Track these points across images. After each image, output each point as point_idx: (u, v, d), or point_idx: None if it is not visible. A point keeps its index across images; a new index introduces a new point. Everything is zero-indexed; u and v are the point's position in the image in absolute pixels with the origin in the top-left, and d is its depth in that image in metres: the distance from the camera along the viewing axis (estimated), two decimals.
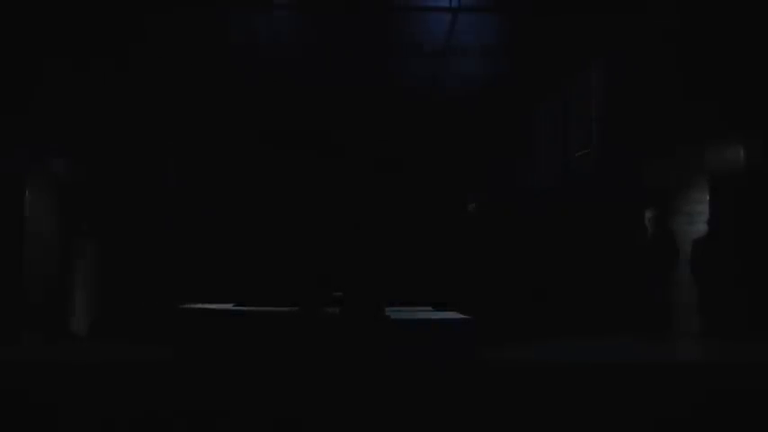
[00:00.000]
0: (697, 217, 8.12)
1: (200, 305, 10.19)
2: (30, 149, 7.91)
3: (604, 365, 6.57)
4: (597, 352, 7.31)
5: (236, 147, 13.79)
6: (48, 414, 4.73)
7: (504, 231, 13.12)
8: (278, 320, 7.70)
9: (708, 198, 7.96)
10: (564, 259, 11.62)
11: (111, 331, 8.52)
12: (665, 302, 7.88)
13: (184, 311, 7.95)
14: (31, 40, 7.95)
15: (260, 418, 4.52)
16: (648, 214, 8.10)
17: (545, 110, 13.10)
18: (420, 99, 13.04)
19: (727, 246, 7.90)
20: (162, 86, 11.90)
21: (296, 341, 7.16)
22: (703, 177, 8.04)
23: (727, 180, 7.96)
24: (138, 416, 4.61)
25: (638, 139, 9.36)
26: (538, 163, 12.94)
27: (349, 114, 13.47)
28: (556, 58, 10.69)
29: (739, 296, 7.86)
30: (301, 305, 8.91)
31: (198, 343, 7.08)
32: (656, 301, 7.87)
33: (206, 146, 13.63)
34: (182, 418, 4.54)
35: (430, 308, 12.95)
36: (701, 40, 8.16)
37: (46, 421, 4.53)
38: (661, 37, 8.88)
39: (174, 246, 12.52)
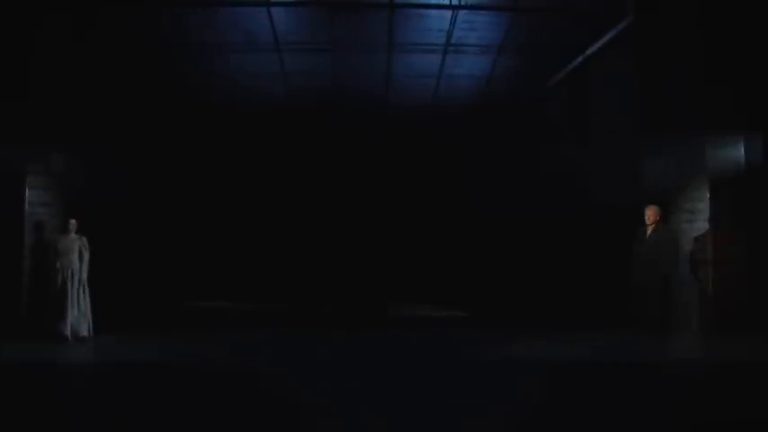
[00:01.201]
0: (698, 215, 8.13)
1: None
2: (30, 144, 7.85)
3: (606, 363, 6.58)
4: (600, 348, 7.32)
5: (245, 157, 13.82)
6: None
7: (511, 230, 13.13)
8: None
9: (708, 196, 7.97)
10: (567, 257, 11.63)
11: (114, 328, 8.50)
12: (667, 300, 7.88)
13: None
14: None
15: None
16: (648, 211, 8.10)
17: (546, 109, 13.11)
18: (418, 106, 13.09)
19: (729, 243, 7.92)
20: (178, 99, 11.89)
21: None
22: (704, 175, 8.04)
23: (727, 177, 7.97)
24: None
25: (640, 135, 9.37)
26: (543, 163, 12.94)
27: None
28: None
29: (741, 293, 7.88)
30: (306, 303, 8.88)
31: None
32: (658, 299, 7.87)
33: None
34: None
35: (431, 305, 12.97)
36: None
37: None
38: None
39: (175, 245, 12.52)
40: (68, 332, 7.72)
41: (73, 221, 8.00)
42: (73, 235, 7.99)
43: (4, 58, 7.70)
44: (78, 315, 7.85)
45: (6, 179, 7.70)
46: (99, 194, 9.41)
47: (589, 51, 10.58)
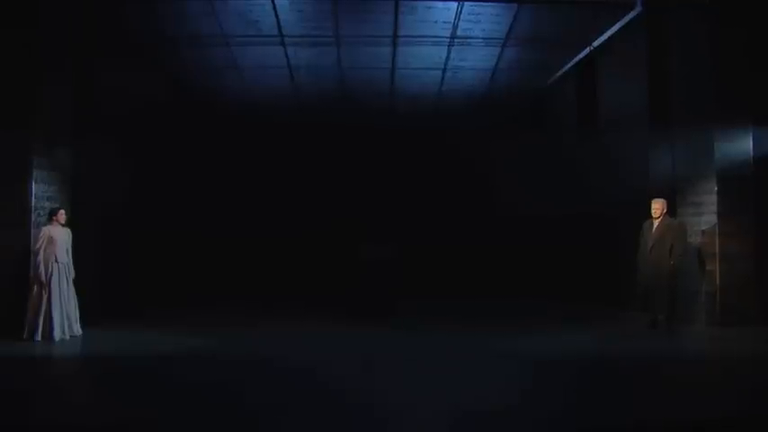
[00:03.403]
0: (705, 208, 8.06)
1: None
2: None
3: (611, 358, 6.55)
4: (604, 342, 7.29)
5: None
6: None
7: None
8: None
9: (716, 189, 7.90)
10: (573, 250, 11.58)
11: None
12: (672, 293, 7.84)
13: None
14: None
15: None
16: (655, 204, 8.04)
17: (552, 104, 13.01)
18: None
19: (736, 236, 7.86)
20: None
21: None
22: (712, 168, 7.97)
23: (735, 170, 7.91)
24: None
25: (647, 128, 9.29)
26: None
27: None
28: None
29: (748, 286, 7.83)
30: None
31: None
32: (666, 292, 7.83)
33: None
34: None
35: (437, 299, 12.95)
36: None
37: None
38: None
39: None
40: (64, 329, 7.42)
41: (62, 211, 7.65)
42: (63, 227, 7.63)
43: (10, 52, 7.70)
44: (72, 311, 7.58)
45: (13, 174, 7.68)
46: (103, 189, 9.41)
47: (596, 43, 10.49)
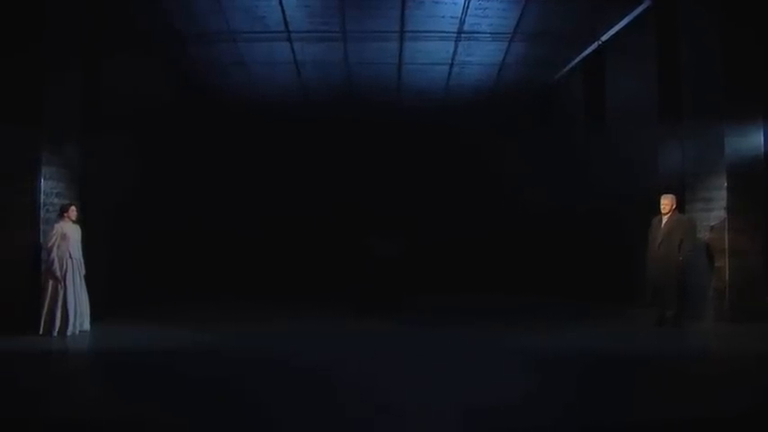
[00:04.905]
0: (715, 203, 8.00)
1: None
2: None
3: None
4: (611, 339, 7.27)
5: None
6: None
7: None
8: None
9: (725, 185, 7.84)
10: (580, 246, 11.53)
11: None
12: (681, 289, 7.80)
13: None
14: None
15: None
16: (664, 200, 7.98)
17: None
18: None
19: (746, 232, 7.80)
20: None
21: None
22: (722, 163, 7.90)
23: (745, 166, 7.84)
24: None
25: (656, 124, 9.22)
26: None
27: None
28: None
29: (758, 282, 7.78)
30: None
31: None
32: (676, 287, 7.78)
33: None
34: None
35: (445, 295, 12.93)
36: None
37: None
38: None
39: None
40: (75, 324, 7.44)
41: (73, 208, 7.64)
42: (74, 223, 7.64)
43: (19, 50, 7.72)
44: (84, 307, 7.60)
45: (22, 170, 7.71)
46: (111, 186, 9.45)
47: (604, 37, 10.42)
